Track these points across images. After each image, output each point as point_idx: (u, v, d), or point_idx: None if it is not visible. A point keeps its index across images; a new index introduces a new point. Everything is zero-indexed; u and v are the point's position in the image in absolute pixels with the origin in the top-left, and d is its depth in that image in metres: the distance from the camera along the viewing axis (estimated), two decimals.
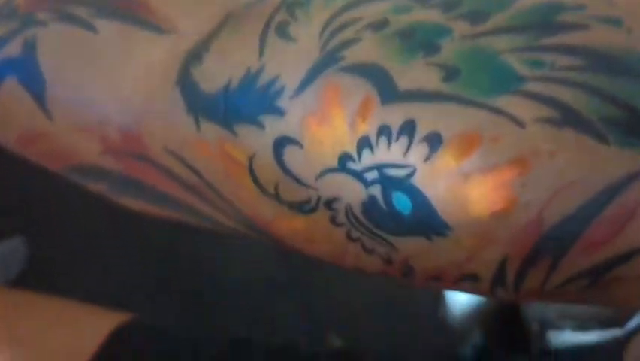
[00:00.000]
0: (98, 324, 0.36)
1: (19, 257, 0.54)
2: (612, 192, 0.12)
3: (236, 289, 0.60)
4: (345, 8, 0.15)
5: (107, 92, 0.18)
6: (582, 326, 0.36)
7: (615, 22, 0.12)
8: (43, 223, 0.57)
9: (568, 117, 0.12)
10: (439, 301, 0.53)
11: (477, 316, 0.51)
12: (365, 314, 0.59)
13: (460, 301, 0.53)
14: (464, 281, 0.15)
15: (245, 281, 0.60)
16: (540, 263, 0.13)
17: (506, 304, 0.49)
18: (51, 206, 0.56)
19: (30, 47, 0.19)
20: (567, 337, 0.37)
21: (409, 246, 0.14)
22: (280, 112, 0.15)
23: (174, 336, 0.37)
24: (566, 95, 0.12)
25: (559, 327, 0.38)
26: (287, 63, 0.15)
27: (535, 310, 0.40)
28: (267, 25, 0.16)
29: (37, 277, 0.53)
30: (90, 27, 0.18)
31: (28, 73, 0.19)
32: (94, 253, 0.58)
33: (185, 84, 0.17)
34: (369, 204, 0.14)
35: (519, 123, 0.12)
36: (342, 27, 0.15)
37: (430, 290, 0.51)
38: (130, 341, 0.35)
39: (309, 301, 0.60)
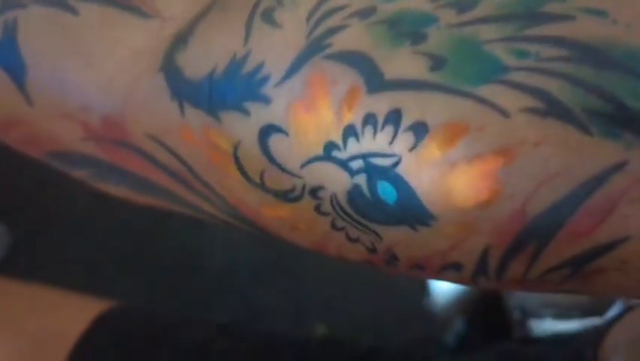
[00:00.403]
0: (81, 311, 0.36)
1: (2, 244, 0.53)
2: (595, 183, 0.12)
3: (221, 275, 0.60)
4: None
5: (89, 77, 0.18)
6: (563, 314, 0.36)
7: (600, 13, 0.12)
8: (25, 210, 0.57)
9: (552, 108, 0.12)
10: (422, 289, 0.54)
11: (459, 304, 0.52)
12: (350, 302, 0.60)
13: (443, 289, 0.53)
14: (447, 270, 0.15)
15: (230, 267, 0.60)
16: (523, 253, 0.13)
17: (488, 293, 0.49)
18: (33, 192, 0.56)
19: (10, 30, 0.18)
20: (548, 325, 0.37)
21: (394, 235, 0.14)
22: (266, 99, 0.15)
23: (159, 322, 0.37)
24: (550, 85, 0.12)
25: (540, 315, 0.38)
26: (273, 50, 0.15)
27: (516, 298, 0.41)
28: (254, 11, 0.16)
29: (21, 263, 0.53)
30: (72, 10, 0.18)
31: (7, 56, 0.18)
32: (77, 239, 0.57)
33: (170, 70, 0.16)
34: (355, 193, 0.14)
35: (504, 113, 0.12)
36: (329, 14, 0.14)
37: (414, 280, 0.52)
38: (114, 327, 0.35)
39: (294, 289, 0.60)
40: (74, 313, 0.36)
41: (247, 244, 0.57)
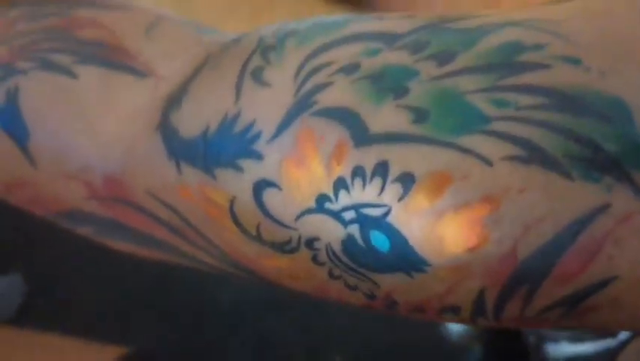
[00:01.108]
0: (96, 359, 0.36)
1: (18, 293, 0.54)
2: (580, 225, 0.12)
3: (233, 311, 0.60)
4: (317, 52, 0.15)
5: (89, 139, 0.18)
6: (577, 337, 0.36)
7: (574, 61, 0.13)
8: (39, 257, 0.57)
9: (534, 155, 0.12)
10: None
11: (476, 331, 0.51)
12: (364, 331, 0.59)
13: None
14: (446, 313, 0.15)
15: (241, 303, 0.60)
16: (517, 294, 0.13)
17: None
18: (46, 239, 0.56)
19: (12, 96, 0.19)
20: (563, 348, 0.37)
21: (390, 282, 0.15)
22: (258, 156, 0.15)
23: None
24: (531, 133, 0.12)
25: (555, 339, 0.38)
26: (263, 108, 0.15)
27: None
28: (243, 70, 0.16)
29: (36, 311, 0.53)
30: (71, 74, 0.19)
31: (11, 121, 0.19)
32: (90, 285, 0.57)
33: (166, 129, 0.17)
34: (349, 243, 0.14)
35: (487, 162, 0.13)
36: (315, 71, 0.15)
37: None
38: None
39: (309, 322, 0.59)
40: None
41: (258, 282, 0.57)
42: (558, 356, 0.38)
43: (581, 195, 0.12)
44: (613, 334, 0.32)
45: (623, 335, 0.30)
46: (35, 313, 0.54)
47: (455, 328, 0.54)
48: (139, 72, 0.18)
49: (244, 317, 0.58)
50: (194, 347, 0.56)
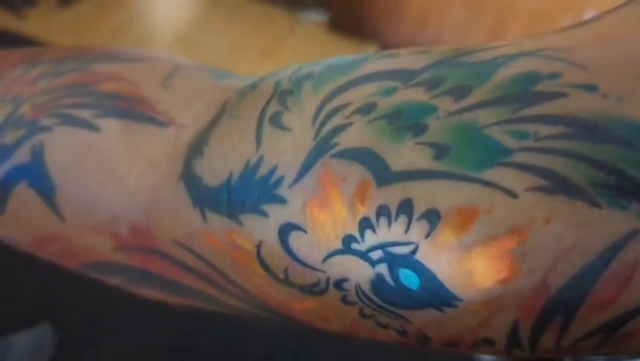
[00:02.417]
0: None
1: (48, 343, 0.54)
2: (611, 253, 0.12)
3: (267, 345, 0.59)
4: (334, 94, 0.16)
5: (114, 190, 0.18)
6: (614, 358, 0.35)
7: (591, 88, 0.13)
8: (69, 306, 0.58)
9: (558, 185, 0.12)
10: None
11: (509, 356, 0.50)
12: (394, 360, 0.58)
13: None
14: (480, 346, 0.15)
15: (271, 348, 0.59)
16: (551, 325, 0.13)
17: None
18: (75, 288, 0.57)
19: (38, 153, 0.19)
20: None
21: (422, 318, 0.15)
22: (282, 200, 0.15)
23: None
24: (553, 163, 0.12)
25: (591, 359, 0.37)
26: (283, 153, 0.15)
27: None
28: (262, 117, 0.16)
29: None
30: (94, 128, 0.19)
31: (38, 178, 0.19)
32: (120, 332, 0.58)
33: (189, 178, 0.17)
34: (378, 282, 0.14)
35: (511, 194, 0.13)
36: (333, 113, 0.15)
37: None
38: None
39: (338, 353, 0.59)
40: None
41: (286, 329, 0.57)
42: None
43: (609, 222, 0.12)
44: None
45: None
46: None
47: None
48: (159, 122, 0.19)
49: (279, 354, 0.58)
50: None
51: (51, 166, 0.19)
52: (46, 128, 0.20)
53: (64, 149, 0.19)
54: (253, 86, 0.18)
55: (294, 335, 0.58)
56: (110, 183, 0.19)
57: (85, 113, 0.19)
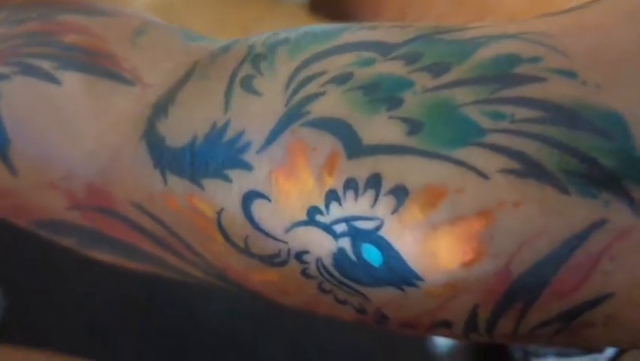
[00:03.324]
0: None
1: None
2: (576, 241, 0.12)
3: (222, 328, 0.59)
4: (309, 61, 0.15)
5: (72, 147, 0.18)
6: (564, 352, 0.36)
7: (571, 74, 0.12)
8: (21, 273, 0.56)
9: (530, 169, 0.12)
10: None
11: (463, 345, 0.51)
12: (354, 351, 0.59)
13: None
14: (438, 328, 0.15)
15: (230, 321, 0.59)
16: (511, 310, 0.13)
17: None
18: (29, 255, 0.55)
19: None
20: None
21: (381, 297, 0.14)
22: (247, 166, 0.15)
23: None
24: (527, 146, 0.12)
25: (542, 355, 0.38)
26: (253, 118, 0.15)
27: None
28: (232, 79, 0.16)
29: (17, 328, 0.52)
30: (55, 80, 0.18)
31: None
32: (74, 301, 0.56)
33: (152, 138, 0.17)
34: (340, 257, 0.14)
35: (482, 175, 0.12)
36: (307, 81, 0.15)
37: None
38: None
39: (298, 340, 0.59)
40: None
41: (247, 295, 0.56)
42: None
43: (577, 210, 0.12)
44: (600, 349, 0.32)
45: (610, 351, 0.30)
46: (15, 329, 0.53)
47: (441, 344, 0.54)
48: (125, 79, 0.18)
49: (233, 334, 0.58)
50: (179, 359, 0.55)
51: (6, 117, 0.18)
52: (4, 77, 0.19)
53: (21, 100, 0.18)
54: (225, 49, 0.17)
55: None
56: (67, 139, 0.18)
57: (46, 64, 0.18)
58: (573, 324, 0.13)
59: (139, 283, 0.54)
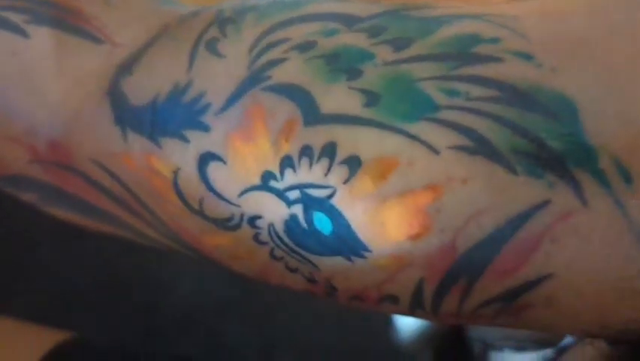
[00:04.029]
0: (34, 343, 0.35)
1: None
2: (520, 220, 0.12)
3: (187, 309, 0.59)
4: (275, 27, 0.15)
5: (35, 101, 0.17)
6: (520, 346, 0.37)
7: (527, 57, 0.13)
8: None
9: (480, 146, 0.12)
10: (389, 323, 0.54)
11: (425, 338, 0.52)
12: (317, 335, 0.59)
13: (409, 323, 0.53)
14: (385, 302, 0.15)
15: (196, 301, 0.59)
16: (455, 287, 0.13)
17: (452, 327, 0.49)
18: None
19: None
20: (507, 357, 0.37)
21: (330, 266, 0.14)
22: (205, 128, 0.15)
23: (119, 355, 0.36)
24: (479, 124, 0.12)
25: (499, 348, 0.38)
26: (214, 79, 0.15)
27: (477, 331, 0.41)
28: (198, 41, 0.16)
29: None
30: (23, 33, 0.18)
31: None
32: (38, 270, 0.56)
33: (114, 95, 0.16)
34: (292, 223, 0.14)
35: (433, 150, 0.13)
36: (271, 46, 0.15)
37: (381, 314, 0.52)
38: (70, 359, 0.34)
39: (263, 323, 0.59)
40: (28, 344, 0.35)
41: (214, 277, 0.56)
42: None
43: (523, 190, 0.12)
44: (553, 343, 0.33)
45: (563, 345, 0.31)
46: None
47: (406, 334, 0.54)
48: (94, 37, 0.18)
49: (198, 315, 0.58)
50: (144, 339, 0.55)
51: None
52: None
53: None
54: (195, 13, 0.17)
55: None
56: (31, 93, 0.18)
57: (16, 17, 0.18)
58: (514, 304, 0.13)
59: (107, 251, 0.54)
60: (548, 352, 0.34)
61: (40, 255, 0.55)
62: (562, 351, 0.28)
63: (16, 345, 0.35)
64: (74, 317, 0.51)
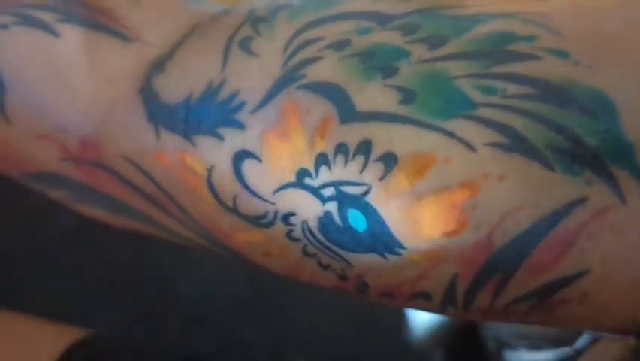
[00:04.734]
0: (51, 341, 0.35)
1: None
2: (557, 217, 0.12)
3: (199, 307, 0.59)
4: (309, 26, 0.15)
5: (67, 99, 0.18)
6: (535, 345, 0.37)
7: (563, 54, 0.13)
8: None
9: (517, 144, 0.12)
10: (402, 322, 0.54)
11: (438, 336, 0.52)
12: (330, 334, 0.59)
13: (422, 322, 0.53)
14: (417, 299, 0.15)
15: (207, 300, 0.59)
16: (489, 283, 0.14)
17: (465, 325, 0.49)
18: (7, 221, 0.55)
19: None
20: (521, 356, 0.37)
21: (364, 263, 0.15)
22: (240, 126, 0.15)
23: (132, 352, 0.36)
24: (515, 122, 0.13)
25: (514, 347, 0.38)
26: (249, 78, 0.15)
27: (491, 330, 0.41)
28: (231, 39, 0.16)
29: None
30: (54, 32, 0.18)
31: None
32: (52, 268, 0.56)
33: (147, 93, 0.17)
34: (326, 220, 0.14)
35: (470, 147, 0.13)
36: (305, 45, 0.15)
37: (394, 312, 0.52)
38: (86, 356, 0.34)
39: (274, 322, 0.59)
40: (46, 342, 0.35)
41: (225, 275, 0.56)
42: None
43: (560, 186, 0.12)
44: (568, 342, 0.33)
45: (580, 344, 0.31)
46: None
47: (418, 333, 0.54)
48: (124, 36, 0.18)
49: (209, 313, 0.58)
50: (156, 338, 0.55)
51: (3, 65, 0.18)
52: (4, 26, 0.19)
53: (19, 49, 0.18)
54: (226, 12, 0.17)
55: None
56: (63, 92, 0.18)
57: (47, 16, 0.18)
58: (549, 301, 0.14)
59: (122, 249, 0.54)
60: (566, 350, 0.34)
61: (52, 251, 0.56)
62: (580, 352, 0.28)
63: (34, 342, 0.35)
64: (87, 315, 0.51)
